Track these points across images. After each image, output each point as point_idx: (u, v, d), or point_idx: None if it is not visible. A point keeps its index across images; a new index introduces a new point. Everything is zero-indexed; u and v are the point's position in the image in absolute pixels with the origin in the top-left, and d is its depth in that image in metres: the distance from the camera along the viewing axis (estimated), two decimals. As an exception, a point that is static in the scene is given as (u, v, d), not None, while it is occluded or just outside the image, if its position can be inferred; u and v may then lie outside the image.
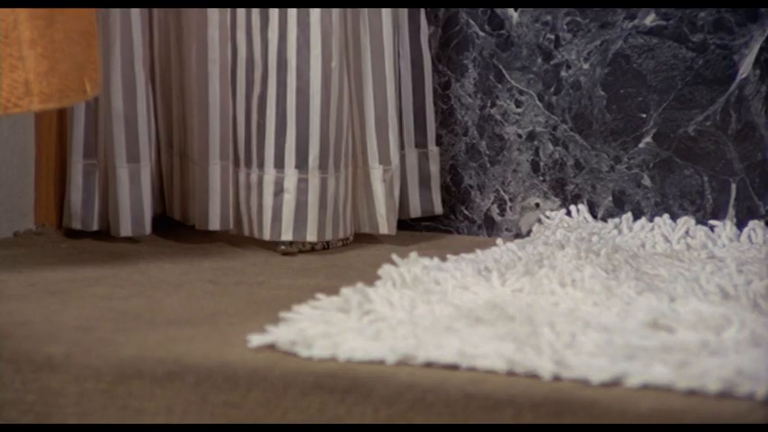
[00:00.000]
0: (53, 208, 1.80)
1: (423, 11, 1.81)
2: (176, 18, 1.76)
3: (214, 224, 1.73)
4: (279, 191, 1.69)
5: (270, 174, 1.69)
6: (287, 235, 1.69)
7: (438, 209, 1.83)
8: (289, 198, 1.69)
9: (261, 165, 1.70)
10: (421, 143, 1.83)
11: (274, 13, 1.69)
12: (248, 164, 1.72)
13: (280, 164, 1.69)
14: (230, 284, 1.57)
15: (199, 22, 1.71)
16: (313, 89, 1.68)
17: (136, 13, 1.73)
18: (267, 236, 1.70)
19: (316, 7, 1.69)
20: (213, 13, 1.71)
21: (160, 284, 1.56)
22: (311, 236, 1.69)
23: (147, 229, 1.75)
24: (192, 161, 1.76)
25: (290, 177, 1.69)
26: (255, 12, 1.70)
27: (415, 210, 1.82)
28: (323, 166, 1.69)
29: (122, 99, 1.73)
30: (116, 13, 1.72)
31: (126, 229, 1.74)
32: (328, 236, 1.71)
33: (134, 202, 1.74)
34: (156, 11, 1.77)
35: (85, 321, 1.40)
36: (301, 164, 1.69)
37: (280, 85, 1.69)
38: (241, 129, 1.72)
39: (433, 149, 1.83)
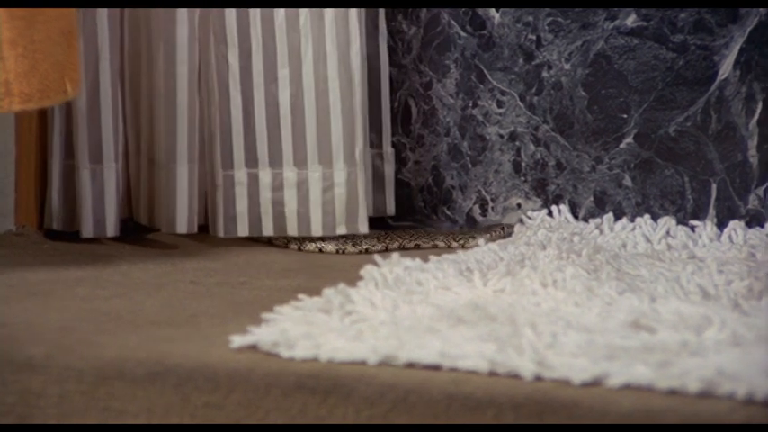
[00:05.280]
0: (33, 209, 1.80)
1: (382, 12, 1.81)
2: (147, 18, 1.75)
3: (181, 227, 1.72)
4: (328, 186, 1.70)
5: (316, 171, 1.70)
6: (341, 229, 1.70)
7: (390, 209, 1.83)
8: (340, 192, 1.70)
9: (301, 163, 1.71)
10: (376, 144, 1.83)
11: (304, 11, 1.69)
12: (274, 164, 1.71)
13: (326, 160, 1.70)
14: (212, 285, 1.56)
15: (167, 22, 1.71)
16: (356, 81, 1.69)
17: (102, 12, 1.72)
18: (320, 232, 1.70)
19: (303, 7, 1.71)
20: (182, 14, 1.70)
21: (141, 285, 1.56)
22: (363, 227, 1.70)
23: (111, 231, 1.74)
24: (157, 164, 1.75)
25: (340, 172, 1.69)
26: (280, 11, 1.70)
27: (368, 210, 1.82)
28: (361, 160, 1.71)
29: (86, 99, 1.72)
30: (79, 12, 1.71)
31: (87, 231, 1.73)
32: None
33: (95, 203, 1.73)
34: (127, 11, 1.76)
35: (66, 322, 1.40)
36: (348, 158, 1.70)
37: (319, 80, 1.70)
38: (262, 132, 1.71)
39: (388, 151, 1.83)
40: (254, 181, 1.73)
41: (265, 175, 1.72)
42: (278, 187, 1.72)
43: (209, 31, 1.71)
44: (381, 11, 1.81)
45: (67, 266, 1.64)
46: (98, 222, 1.73)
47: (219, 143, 1.72)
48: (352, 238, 1.73)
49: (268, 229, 1.73)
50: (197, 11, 1.71)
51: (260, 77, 1.71)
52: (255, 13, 1.71)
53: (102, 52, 1.71)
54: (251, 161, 1.72)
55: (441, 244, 1.74)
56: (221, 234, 1.73)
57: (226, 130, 1.72)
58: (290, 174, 1.72)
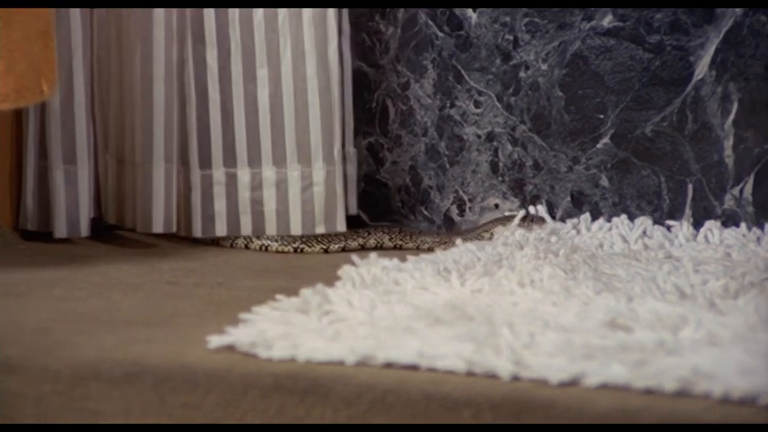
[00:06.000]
0: (9, 209, 1.79)
1: (346, 12, 1.82)
2: (117, 19, 1.75)
3: (158, 226, 1.72)
4: (307, 185, 1.70)
5: (295, 170, 1.70)
6: (320, 228, 1.70)
7: (352, 209, 1.83)
8: (319, 191, 1.70)
9: (280, 162, 1.71)
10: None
11: (282, 11, 1.70)
12: (253, 163, 1.72)
13: (305, 159, 1.71)
14: (189, 285, 1.56)
15: (144, 22, 1.70)
16: (334, 79, 1.70)
17: (75, 12, 1.72)
18: (299, 231, 1.70)
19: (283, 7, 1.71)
20: (159, 14, 1.70)
21: (118, 286, 1.55)
22: (341, 226, 1.70)
23: (84, 231, 1.73)
24: (131, 163, 1.75)
25: (319, 171, 1.70)
26: (258, 11, 1.70)
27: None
28: (340, 159, 1.71)
29: (59, 99, 1.72)
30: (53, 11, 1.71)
31: (61, 231, 1.73)
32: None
33: (69, 203, 1.73)
34: (96, 11, 1.75)
35: (43, 323, 1.39)
36: (327, 157, 1.70)
37: (298, 80, 1.70)
38: (241, 131, 1.72)
39: (351, 151, 1.83)
40: (232, 180, 1.73)
41: (244, 175, 1.72)
42: (257, 186, 1.72)
43: (187, 30, 1.71)
44: (345, 11, 1.81)
45: (44, 267, 1.63)
46: (72, 223, 1.73)
47: (197, 143, 1.72)
48: (294, 236, 1.74)
49: (246, 229, 1.73)
50: (174, 11, 1.71)
51: (239, 77, 1.71)
52: (234, 13, 1.71)
53: (75, 52, 1.71)
54: (229, 161, 1.73)
55: (388, 244, 1.75)
56: (199, 234, 1.73)
57: (204, 129, 1.72)
58: (269, 173, 1.72)
